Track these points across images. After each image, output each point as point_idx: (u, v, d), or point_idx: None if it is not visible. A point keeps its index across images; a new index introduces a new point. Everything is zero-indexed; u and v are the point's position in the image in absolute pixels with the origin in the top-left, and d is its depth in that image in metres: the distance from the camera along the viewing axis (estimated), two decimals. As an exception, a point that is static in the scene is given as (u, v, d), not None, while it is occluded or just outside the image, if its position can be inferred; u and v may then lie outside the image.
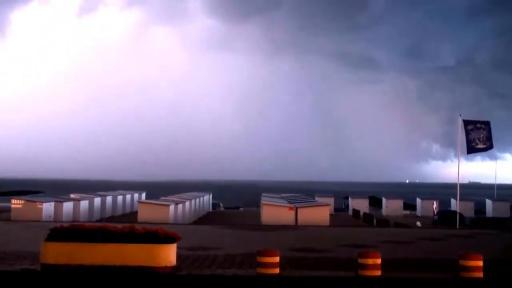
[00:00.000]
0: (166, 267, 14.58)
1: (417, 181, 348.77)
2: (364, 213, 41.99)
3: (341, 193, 77.01)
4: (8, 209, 34.99)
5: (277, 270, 14.51)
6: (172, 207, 33.26)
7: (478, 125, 31.69)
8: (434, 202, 44.07)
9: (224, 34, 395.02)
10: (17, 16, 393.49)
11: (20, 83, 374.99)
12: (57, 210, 34.24)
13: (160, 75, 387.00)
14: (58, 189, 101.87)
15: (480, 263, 14.60)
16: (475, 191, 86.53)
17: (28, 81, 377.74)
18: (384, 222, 36.05)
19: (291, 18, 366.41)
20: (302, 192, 58.92)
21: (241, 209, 58.04)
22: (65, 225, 15.70)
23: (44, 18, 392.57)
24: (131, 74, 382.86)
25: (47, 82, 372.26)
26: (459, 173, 33.33)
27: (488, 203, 47.80)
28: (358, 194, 60.70)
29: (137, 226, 15.56)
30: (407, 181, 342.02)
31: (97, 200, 38.21)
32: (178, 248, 15.19)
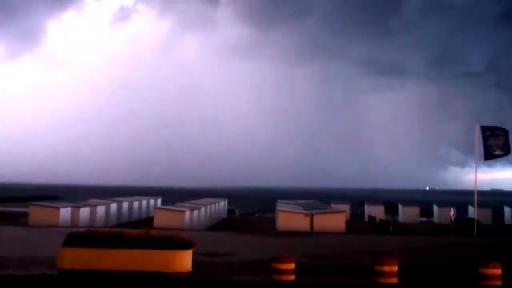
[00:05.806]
0: (181, 273, 14.58)
1: (437, 188, 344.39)
2: (380, 220, 41.66)
3: (359, 199, 76.34)
4: (26, 214, 35.33)
5: (292, 277, 14.42)
6: (188, 213, 33.34)
7: (496, 132, 31.33)
8: (452, 209, 43.52)
9: (253, 41, 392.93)
10: (53, 25, 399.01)
11: (55, 89, 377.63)
12: (74, 216, 34.48)
13: (191, 82, 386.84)
14: (75, 194, 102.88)
15: (499, 271, 14.39)
16: (496, 198, 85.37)
17: (61, 87, 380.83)
18: (400, 229, 35.73)
19: (322, 24, 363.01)
20: (319, 199, 58.58)
21: (257, 215, 57.91)
22: (82, 230, 15.81)
23: (80, 27, 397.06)
24: (162, 81, 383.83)
25: (81, 89, 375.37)
26: (478, 180, 33.09)
27: (507, 210, 47.08)
28: (374, 201, 60.17)
29: (153, 232, 15.62)
30: (427, 188, 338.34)
31: (113, 206, 38.44)
32: (193, 254, 15.21)
